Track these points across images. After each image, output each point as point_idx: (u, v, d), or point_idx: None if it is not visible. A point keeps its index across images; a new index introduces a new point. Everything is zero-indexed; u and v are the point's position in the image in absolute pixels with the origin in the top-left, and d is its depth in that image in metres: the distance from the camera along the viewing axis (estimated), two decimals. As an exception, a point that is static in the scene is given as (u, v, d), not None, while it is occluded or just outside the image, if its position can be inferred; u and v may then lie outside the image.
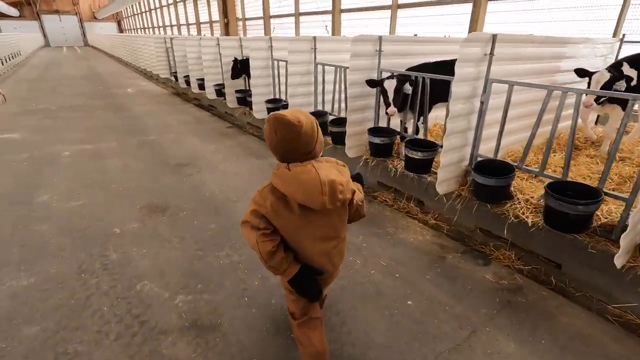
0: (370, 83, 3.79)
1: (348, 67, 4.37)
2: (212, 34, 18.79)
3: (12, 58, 18.32)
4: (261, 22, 14.42)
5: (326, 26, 10.84)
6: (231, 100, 7.37)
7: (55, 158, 4.98)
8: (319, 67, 4.97)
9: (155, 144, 5.69)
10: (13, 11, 35.66)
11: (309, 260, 1.54)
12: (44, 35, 40.10)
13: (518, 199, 2.88)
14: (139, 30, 36.04)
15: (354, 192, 1.54)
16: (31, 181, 4.20)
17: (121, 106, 8.66)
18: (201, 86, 8.57)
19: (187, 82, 9.34)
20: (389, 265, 2.71)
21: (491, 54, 2.83)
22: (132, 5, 34.33)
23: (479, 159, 3.25)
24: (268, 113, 6.15)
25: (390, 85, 3.60)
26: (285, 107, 5.54)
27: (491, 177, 2.76)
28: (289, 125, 1.33)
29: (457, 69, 2.74)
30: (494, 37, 2.79)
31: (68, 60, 22.42)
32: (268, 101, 6.07)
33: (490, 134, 3.25)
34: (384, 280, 2.56)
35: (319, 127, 1.44)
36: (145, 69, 14.56)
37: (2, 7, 32.62)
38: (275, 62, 5.96)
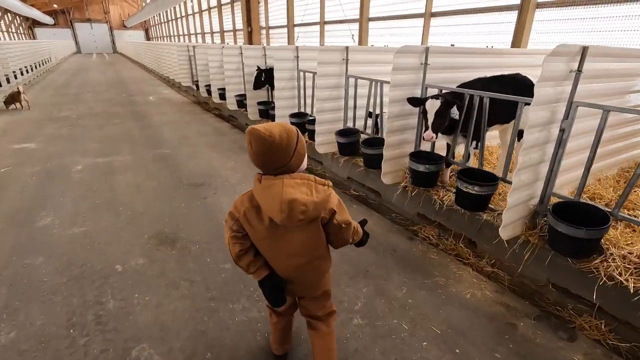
0: (413, 101, 3.28)
1: (385, 82, 3.90)
2: (235, 42, 18.73)
3: (43, 64, 18.79)
4: (285, 30, 14.16)
5: (353, 35, 10.41)
6: (253, 113, 7.00)
7: (66, 172, 4.68)
8: (351, 80, 4.49)
9: (171, 158, 5.33)
10: (48, 19, 37.20)
11: (277, 269, 1.57)
12: (76, 42, 41.62)
13: (611, 253, 2.27)
14: (165, 38, 36.83)
15: (333, 213, 1.46)
16: (37, 199, 3.87)
17: (141, 114, 8.45)
18: (222, 96, 8.27)
19: (208, 92, 9.07)
20: (444, 335, 2.15)
21: (579, 70, 2.26)
22: (159, 14, 35.15)
23: (553, 198, 2.65)
24: (292, 127, 5.85)
25: (432, 106, 3.06)
26: (312, 122, 5.08)
27: (581, 227, 2.16)
28: (260, 139, 1.33)
29: (538, 89, 2.18)
30: (585, 50, 2.22)
31: (96, 66, 22.93)
32: (292, 115, 5.63)
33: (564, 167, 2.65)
34: (442, 358, 2.00)
35: (299, 141, 1.41)
36: (168, 76, 14.53)
37: (37, 15, 34.03)
38: (302, 74, 5.53)
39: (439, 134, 3.18)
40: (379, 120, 4.39)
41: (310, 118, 5.31)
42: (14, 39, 29.47)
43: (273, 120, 5.95)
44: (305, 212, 1.35)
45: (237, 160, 5.27)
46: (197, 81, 9.89)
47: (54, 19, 39.01)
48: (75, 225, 3.34)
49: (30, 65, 15.65)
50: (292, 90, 5.78)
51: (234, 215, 1.49)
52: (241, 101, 7.35)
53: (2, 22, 28.56)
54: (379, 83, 4.13)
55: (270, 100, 6.99)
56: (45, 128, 7.05)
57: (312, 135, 5.02)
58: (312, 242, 1.50)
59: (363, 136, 4.48)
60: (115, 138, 6.41)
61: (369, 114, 4.56)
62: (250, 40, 16.52)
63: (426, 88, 3.44)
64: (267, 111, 6.58)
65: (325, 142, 4.77)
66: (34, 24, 37.35)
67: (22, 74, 13.57)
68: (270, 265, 1.56)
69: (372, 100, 4.31)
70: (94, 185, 4.27)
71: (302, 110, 5.84)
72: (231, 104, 7.59)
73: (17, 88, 9.16)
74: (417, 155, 3.49)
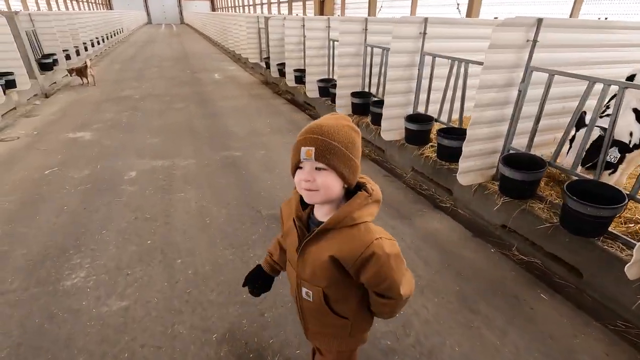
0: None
1: (474, 62, 3.37)
2: (304, 13, 17.11)
3: (114, 35, 18.83)
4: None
5: (458, 5, 8.32)
6: (311, 90, 6.24)
7: (117, 183, 3.66)
8: (427, 59, 3.84)
9: (242, 166, 4.11)
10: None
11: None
12: (147, 13, 42.68)
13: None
14: (230, 9, 36.12)
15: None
16: (73, 231, 2.85)
17: (205, 98, 7.40)
18: (299, 79, 6.89)
19: (281, 72, 7.74)
20: None
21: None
22: (225, -17, 34.36)
23: None
24: (355, 111, 5.08)
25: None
26: (377, 104, 4.46)
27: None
28: None
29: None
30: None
31: (163, 38, 22.78)
32: (355, 94, 5.03)
33: None
34: None
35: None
36: (233, 51, 13.49)
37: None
38: (370, 49, 4.90)
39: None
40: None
41: (375, 99, 4.78)
42: (92, 9, 30.55)
43: (334, 99, 5.39)
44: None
45: (327, 176, 3.90)
46: (268, 58, 8.59)
47: (126, -11, 40.06)
48: (114, 296, 2.22)
49: (102, 36, 15.53)
50: (357, 68, 5.13)
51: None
52: (325, 88, 5.91)
53: (81, -8, 29.60)
54: (463, 63, 3.45)
55: (332, 77, 6.19)
56: (104, 112, 6.25)
57: (376, 119, 4.46)
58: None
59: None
60: (176, 130, 5.37)
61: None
62: (321, 10, 14.83)
63: (531, 72, 2.61)
64: (327, 89, 5.93)
65: (392, 127, 4.14)
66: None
67: (92, 45, 13.34)
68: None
69: (452, 83, 3.66)
70: (147, 210, 3.17)
71: (367, 90, 5.20)
72: (311, 91, 6.18)
73: (85, 62, 8.61)
74: (513, 159, 2.69)
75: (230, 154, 4.47)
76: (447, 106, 3.81)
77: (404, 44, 3.76)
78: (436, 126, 3.88)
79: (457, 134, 3.25)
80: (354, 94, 4.98)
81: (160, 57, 13.86)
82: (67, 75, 8.96)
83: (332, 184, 0.94)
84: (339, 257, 0.96)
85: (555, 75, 2.51)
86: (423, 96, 4.02)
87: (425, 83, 3.94)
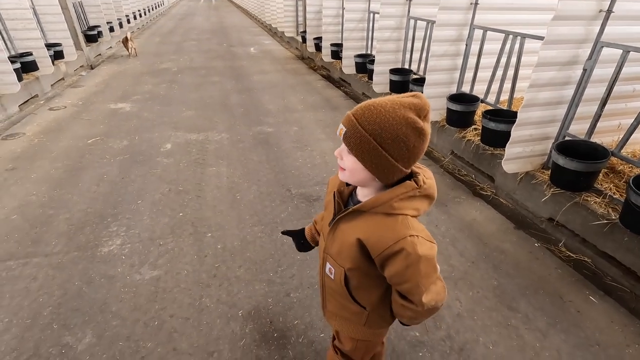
0: None
1: (533, 36, 2.91)
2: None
3: (155, 8, 19.13)
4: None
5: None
6: (348, 66, 6.00)
7: (153, 154, 3.75)
8: (476, 33, 3.50)
9: (274, 143, 4.06)
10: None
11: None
12: (187, -14, 42.85)
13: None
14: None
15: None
16: (111, 200, 2.96)
17: (241, 72, 7.36)
18: (335, 54, 6.65)
19: (318, 47, 7.52)
20: None
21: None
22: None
23: None
24: (393, 88, 4.82)
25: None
26: (418, 81, 4.27)
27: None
28: None
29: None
30: None
31: (202, 11, 22.88)
32: (394, 71, 4.74)
33: None
34: None
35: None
36: (270, 24, 13.29)
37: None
38: (412, 22, 4.62)
39: None
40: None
41: (415, 77, 4.57)
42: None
43: (370, 76, 5.19)
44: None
45: (360, 156, 3.76)
46: (304, 32, 8.37)
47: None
48: (146, 265, 2.28)
49: (144, 9, 15.81)
50: (397, 42, 4.88)
51: (435, 251, 0.91)
52: (362, 64, 5.66)
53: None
54: (518, 38, 3.13)
55: (369, 52, 5.91)
56: (143, 84, 6.40)
57: None
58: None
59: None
60: (212, 104, 5.39)
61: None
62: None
63: (600, 48, 2.27)
64: (364, 65, 5.65)
65: (432, 107, 3.30)
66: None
67: (134, 18, 13.63)
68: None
69: (503, 60, 3.33)
70: (180, 183, 3.22)
71: (407, 66, 4.94)
72: (347, 67, 5.95)
73: (126, 35, 8.82)
74: (569, 147, 2.43)
75: (263, 130, 4.43)
76: (495, 86, 3.50)
77: (452, 16, 3.45)
78: (481, 108, 3.60)
79: (505, 116, 2.98)
80: (392, 71, 4.72)
81: (198, 30, 13.94)
82: (110, 47, 9.25)
83: (358, 170, 0.87)
84: (367, 242, 0.90)
85: (631, 53, 2.18)
86: (468, 75, 3.72)
87: (472, 60, 3.63)
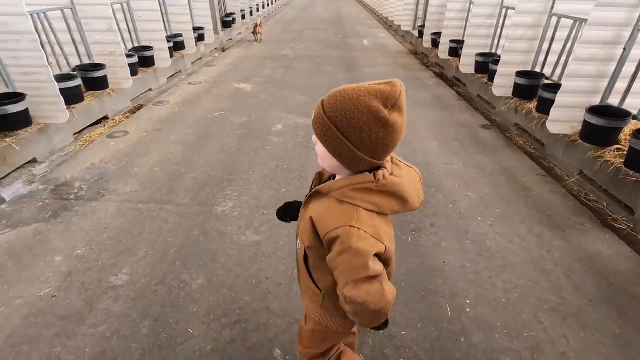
0: None
1: None
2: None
3: (281, -2, 20.53)
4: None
5: None
6: (466, 64, 5.57)
7: (265, 132, 4.11)
8: None
9: (378, 136, 4.06)
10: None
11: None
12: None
13: None
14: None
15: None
16: (228, 167, 3.36)
17: (352, 63, 7.49)
18: (454, 51, 6.27)
19: (435, 42, 7.18)
20: None
21: None
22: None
23: None
24: (518, 93, 4.37)
25: None
26: (551, 88, 3.80)
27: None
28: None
29: None
30: None
31: (322, 2, 23.74)
32: (521, 74, 4.27)
33: None
34: None
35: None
36: (387, 17, 13.13)
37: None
38: (555, 20, 4.07)
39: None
40: None
41: (548, 82, 4.08)
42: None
43: (491, 77, 4.77)
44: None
45: (467, 163, 3.53)
46: (422, 27, 8.06)
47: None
48: (251, 229, 2.55)
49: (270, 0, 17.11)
50: (530, 42, 4.36)
51: (377, 251, 0.87)
52: (484, 63, 5.23)
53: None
54: None
55: (494, 51, 5.45)
56: (264, 68, 6.99)
57: (544, 105, 3.73)
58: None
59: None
60: (322, 92, 5.57)
61: None
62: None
63: None
64: (485, 64, 5.18)
65: (563, 118, 3.40)
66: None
67: (263, 7, 14.86)
68: None
69: None
70: (286, 162, 3.48)
71: (539, 70, 4.38)
72: (465, 65, 5.57)
73: (258, 21, 9.72)
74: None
75: (367, 122, 4.46)
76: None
77: (612, 14, 2.95)
78: (632, 125, 3.02)
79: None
80: (519, 73, 4.26)
81: (317, 20, 14.56)
82: (240, 33, 10.31)
83: (326, 156, 0.87)
84: (316, 223, 0.90)
85: None
86: (620, 85, 3.15)
87: (628, 68, 3.06)
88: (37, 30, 3.48)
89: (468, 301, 2.00)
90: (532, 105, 4.06)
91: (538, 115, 3.85)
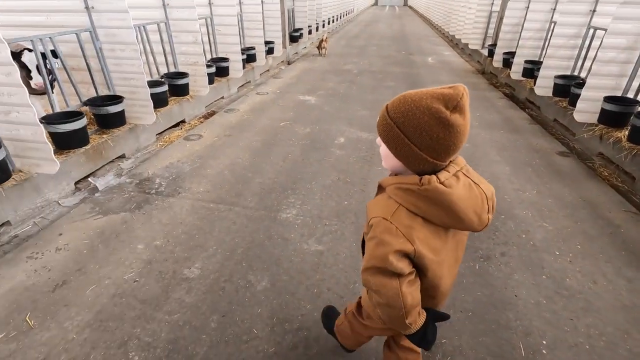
0: None
1: None
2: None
3: (346, 15, 21.01)
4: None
5: None
6: (543, 87, 5.22)
7: (328, 144, 4.19)
8: None
9: (442, 156, 3.94)
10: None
11: (442, 293, 1.08)
12: (376, -5, 45.37)
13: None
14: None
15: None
16: (292, 175, 3.46)
17: (415, 80, 7.40)
18: (528, 72, 5.94)
19: (506, 62, 6.86)
20: None
21: None
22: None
23: None
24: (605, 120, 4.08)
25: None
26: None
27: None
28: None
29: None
30: None
31: (385, 19, 23.87)
32: (609, 99, 3.89)
33: None
34: None
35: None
36: (453, 35, 12.82)
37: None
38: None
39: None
40: None
41: None
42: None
43: (574, 102, 4.32)
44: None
45: (541, 189, 3.28)
46: (493, 45, 7.74)
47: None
48: (313, 237, 2.60)
49: (337, 15, 17.59)
50: (622, 66, 3.96)
51: (403, 249, 0.89)
52: (563, 86, 4.87)
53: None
54: None
55: (576, 74, 5.04)
56: (327, 81, 7.17)
57: (638, 135, 3.44)
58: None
59: None
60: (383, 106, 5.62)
61: None
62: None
63: None
64: (566, 87, 4.79)
65: None
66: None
67: (328, 23, 15.32)
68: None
69: None
70: (348, 174, 3.51)
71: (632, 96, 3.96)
72: (542, 87, 5.23)
73: (323, 36, 10.04)
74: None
75: (431, 141, 4.36)
76: None
77: None
78: None
79: None
80: (608, 99, 3.90)
81: (380, 36, 14.65)
82: (305, 47, 10.70)
83: (389, 157, 0.93)
84: (367, 211, 1.01)
85: None
86: None
87: None
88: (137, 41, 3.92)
89: (544, 342, 1.84)
90: (622, 134, 3.68)
91: (629, 146, 3.48)
